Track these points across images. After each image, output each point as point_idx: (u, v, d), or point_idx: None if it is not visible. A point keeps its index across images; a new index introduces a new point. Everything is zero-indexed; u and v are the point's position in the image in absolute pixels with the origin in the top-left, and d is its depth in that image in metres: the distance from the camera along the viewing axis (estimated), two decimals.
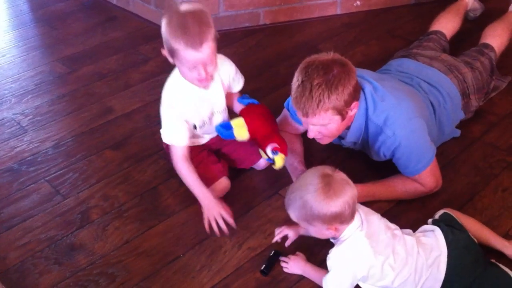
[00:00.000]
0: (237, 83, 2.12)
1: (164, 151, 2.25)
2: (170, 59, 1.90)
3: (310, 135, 1.90)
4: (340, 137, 2.04)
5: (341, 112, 1.81)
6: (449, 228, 1.72)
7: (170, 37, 1.81)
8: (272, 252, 1.88)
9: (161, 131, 2.04)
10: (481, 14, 3.08)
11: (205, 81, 1.92)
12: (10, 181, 2.25)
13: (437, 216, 1.83)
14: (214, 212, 1.93)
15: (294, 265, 1.81)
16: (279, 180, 2.17)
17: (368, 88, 1.92)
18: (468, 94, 2.30)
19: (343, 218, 1.59)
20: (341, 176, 1.61)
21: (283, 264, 1.83)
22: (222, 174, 2.09)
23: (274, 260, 1.86)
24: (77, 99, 2.73)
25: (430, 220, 1.82)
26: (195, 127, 2.05)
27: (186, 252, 1.92)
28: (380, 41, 3.07)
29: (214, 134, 2.15)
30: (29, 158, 2.36)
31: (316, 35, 3.15)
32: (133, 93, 2.75)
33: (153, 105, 2.60)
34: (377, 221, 1.69)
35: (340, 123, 1.85)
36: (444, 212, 1.83)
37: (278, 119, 2.21)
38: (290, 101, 2.08)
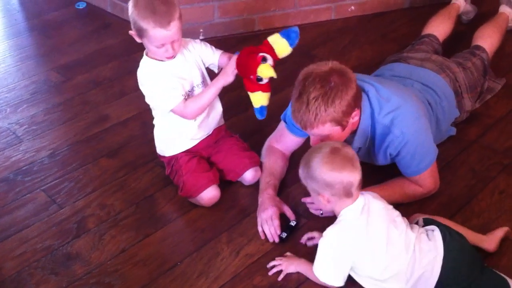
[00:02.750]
0: (213, 54, 2.11)
1: (159, 159, 2.25)
2: (138, 39, 1.95)
3: (313, 143, 1.88)
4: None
5: (341, 123, 1.79)
6: (447, 229, 1.72)
7: (139, 17, 1.87)
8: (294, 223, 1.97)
9: (155, 102, 2.05)
10: (475, 17, 3.08)
11: (171, 56, 1.97)
12: (6, 191, 2.24)
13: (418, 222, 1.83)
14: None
15: (288, 264, 1.83)
16: None
17: (371, 91, 1.90)
18: (461, 92, 2.30)
19: (333, 191, 1.65)
20: (347, 153, 1.67)
21: (276, 262, 1.85)
22: (211, 182, 2.07)
23: (293, 229, 1.95)
24: (73, 108, 2.73)
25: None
26: None
27: (183, 260, 1.92)
28: (374, 45, 3.08)
29: (202, 135, 2.15)
30: (24, 168, 2.36)
31: (310, 40, 3.15)
32: (128, 100, 2.74)
33: (149, 112, 2.58)
34: (380, 209, 1.71)
35: (341, 133, 1.83)
36: (424, 218, 1.83)
37: (274, 132, 2.20)
38: (287, 112, 2.07)
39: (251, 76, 1.88)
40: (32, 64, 3.11)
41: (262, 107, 1.95)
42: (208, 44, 2.13)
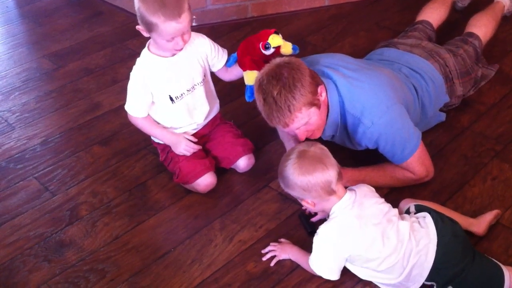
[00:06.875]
0: (221, 57, 2.11)
1: (152, 146, 2.24)
2: (146, 34, 1.90)
3: (302, 138, 1.89)
4: None
5: (314, 103, 1.81)
6: (439, 215, 1.73)
7: (147, 12, 1.81)
8: (300, 215, 1.98)
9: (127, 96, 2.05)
10: (469, 4, 3.07)
11: (180, 49, 1.95)
12: None
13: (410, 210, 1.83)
14: (180, 147, 2.08)
15: (281, 251, 1.85)
16: (268, 173, 2.17)
17: (340, 80, 1.91)
18: (452, 78, 2.30)
19: (312, 194, 1.66)
20: (315, 153, 1.68)
21: (272, 247, 1.86)
22: (207, 170, 2.07)
23: (308, 219, 1.95)
24: (65, 95, 2.72)
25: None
26: (171, 99, 2.02)
27: (177, 247, 1.92)
28: (368, 32, 3.07)
29: (196, 129, 2.15)
30: (17, 156, 2.35)
31: (304, 27, 3.14)
32: (121, 88, 2.73)
33: None
34: (372, 204, 1.71)
35: (319, 112, 1.85)
36: (415, 205, 1.84)
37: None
38: None
39: (261, 43, 1.98)
40: (23, 52, 3.10)
41: (252, 87, 1.96)
42: (217, 46, 2.10)
